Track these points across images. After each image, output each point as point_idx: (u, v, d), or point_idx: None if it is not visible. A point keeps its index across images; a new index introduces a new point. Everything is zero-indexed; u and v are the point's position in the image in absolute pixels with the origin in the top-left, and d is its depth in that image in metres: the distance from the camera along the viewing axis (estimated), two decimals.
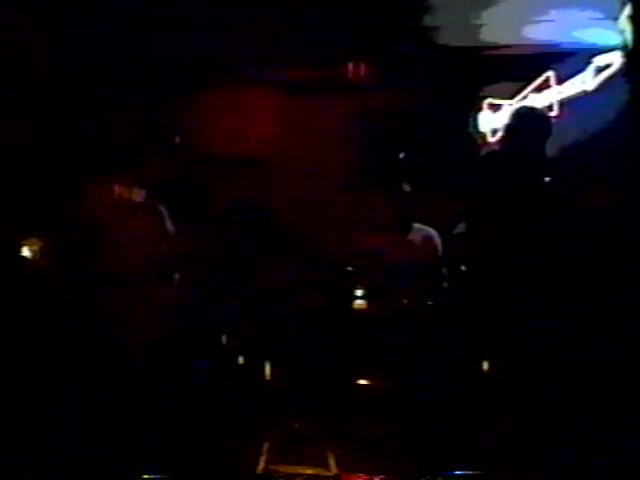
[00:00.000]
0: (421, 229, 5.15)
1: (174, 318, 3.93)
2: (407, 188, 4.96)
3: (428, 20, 5.39)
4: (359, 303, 4.85)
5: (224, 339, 4.82)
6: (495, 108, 6.14)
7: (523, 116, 4.04)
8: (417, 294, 4.73)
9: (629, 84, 3.37)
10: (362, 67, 6.06)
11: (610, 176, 3.28)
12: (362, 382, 4.66)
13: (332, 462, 4.03)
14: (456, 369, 4.17)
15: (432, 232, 5.17)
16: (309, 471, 3.94)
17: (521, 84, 6.06)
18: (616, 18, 4.97)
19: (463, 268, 4.42)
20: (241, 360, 4.83)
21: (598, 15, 4.97)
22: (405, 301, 4.68)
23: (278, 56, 5.66)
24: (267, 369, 4.79)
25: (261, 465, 4.00)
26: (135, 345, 3.79)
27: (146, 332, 3.79)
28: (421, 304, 4.71)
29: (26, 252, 4.33)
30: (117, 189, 3.89)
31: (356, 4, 5.07)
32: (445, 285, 4.77)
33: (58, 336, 3.94)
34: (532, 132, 3.89)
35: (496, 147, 4.35)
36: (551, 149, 3.93)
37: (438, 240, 5.14)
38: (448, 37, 5.71)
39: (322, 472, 3.95)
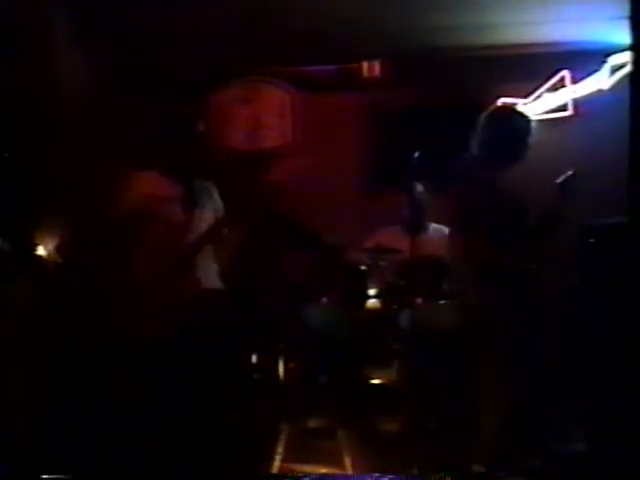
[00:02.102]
0: (437, 229, 5.12)
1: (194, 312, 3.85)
2: (422, 188, 4.93)
3: (442, 19, 5.37)
4: (373, 302, 4.83)
5: (238, 335, 4.80)
6: None
7: (494, 117, 3.98)
8: (431, 293, 4.71)
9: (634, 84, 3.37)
10: (376, 65, 6.05)
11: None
12: (377, 380, 4.64)
13: (347, 461, 4.02)
14: (470, 369, 4.12)
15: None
16: (323, 470, 3.94)
17: (536, 83, 6.03)
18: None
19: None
20: (255, 356, 4.80)
21: (614, 14, 4.93)
22: (419, 300, 4.64)
23: (291, 53, 5.66)
24: (281, 366, 4.78)
25: (276, 464, 3.99)
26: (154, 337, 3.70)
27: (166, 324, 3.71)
28: (435, 303, 4.68)
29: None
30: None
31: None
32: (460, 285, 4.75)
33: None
34: (505, 133, 3.84)
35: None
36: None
37: None
38: (463, 36, 5.70)
39: (336, 472, 3.95)
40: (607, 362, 3.76)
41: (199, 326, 3.61)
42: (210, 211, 3.83)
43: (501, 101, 5.87)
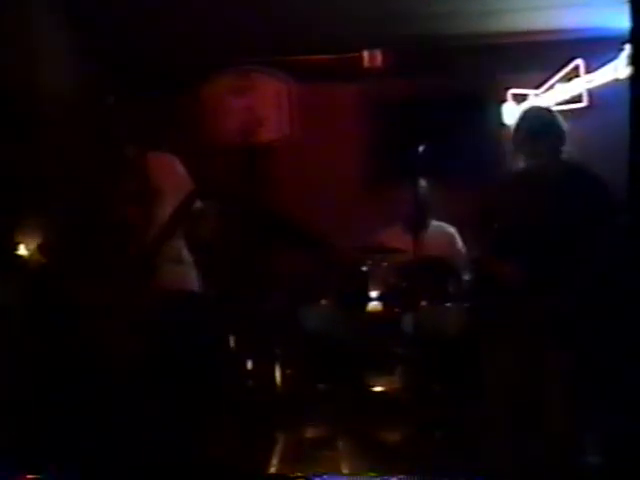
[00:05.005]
0: (439, 226, 5.07)
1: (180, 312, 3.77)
2: (424, 183, 4.82)
3: (447, 5, 5.25)
4: (375, 305, 4.75)
5: (233, 337, 4.76)
6: (520, 99, 6.00)
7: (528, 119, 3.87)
8: (436, 296, 4.61)
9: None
10: (379, 55, 5.99)
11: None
12: (379, 388, 4.59)
13: (344, 464, 4.02)
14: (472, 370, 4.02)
15: (451, 229, 5.11)
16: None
17: (548, 73, 5.91)
18: None
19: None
20: (251, 361, 4.78)
21: None
22: (423, 302, 4.53)
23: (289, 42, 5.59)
24: (278, 370, 4.72)
25: (273, 467, 3.99)
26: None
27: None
28: (440, 307, 4.60)
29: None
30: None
31: None
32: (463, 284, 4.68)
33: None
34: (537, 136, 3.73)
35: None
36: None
37: (457, 238, 5.08)
38: (471, 23, 5.57)
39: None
40: (608, 363, 3.68)
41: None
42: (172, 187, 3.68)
43: (511, 92, 5.76)
